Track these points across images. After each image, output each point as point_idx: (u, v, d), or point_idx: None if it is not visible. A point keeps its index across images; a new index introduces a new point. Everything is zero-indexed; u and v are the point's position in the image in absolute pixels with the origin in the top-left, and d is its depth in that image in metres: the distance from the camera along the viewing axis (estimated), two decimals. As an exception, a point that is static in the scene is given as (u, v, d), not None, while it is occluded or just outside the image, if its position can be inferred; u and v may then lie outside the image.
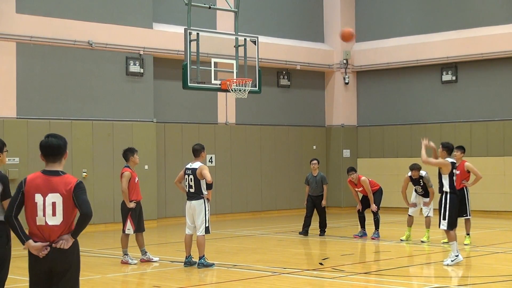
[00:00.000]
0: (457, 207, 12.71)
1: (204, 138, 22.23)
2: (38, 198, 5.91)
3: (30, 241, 5.93)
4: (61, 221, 5.94)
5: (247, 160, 23.65)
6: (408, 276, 11.99)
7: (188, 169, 12.60)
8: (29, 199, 5.94)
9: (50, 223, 5.92)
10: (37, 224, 5.94)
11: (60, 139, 6.22)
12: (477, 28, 23.22)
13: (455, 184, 12.74)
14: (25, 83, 18.82)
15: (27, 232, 6.05)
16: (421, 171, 16.06)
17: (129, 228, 13.09)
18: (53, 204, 5.90)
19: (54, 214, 5.90)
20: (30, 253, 6.02)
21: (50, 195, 5.92)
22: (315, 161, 17.58)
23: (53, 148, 6.14)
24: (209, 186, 12.44)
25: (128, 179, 13.09)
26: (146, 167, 20.20)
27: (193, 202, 12.45)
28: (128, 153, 13.37)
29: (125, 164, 13.42)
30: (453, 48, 23.49)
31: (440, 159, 12.71)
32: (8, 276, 7.48)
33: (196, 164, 12.55)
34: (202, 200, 12.44)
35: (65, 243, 5.91)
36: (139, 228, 13.22)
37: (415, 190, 16.26)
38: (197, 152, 12.79)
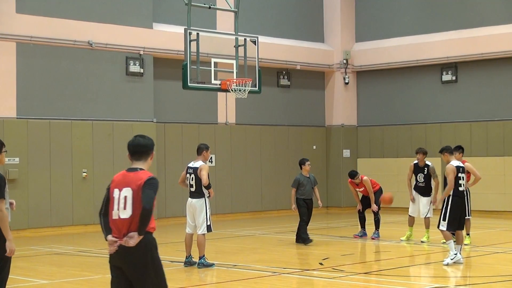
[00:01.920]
0: (459, 210, 12.70)
1: (204, 138, 22.21)
2: (116, 193, 6.12)
3: (109, 235, 6.09)
4: (130, 214, 6.06)
5: (247, 160, 23.65)
6: (408, 276, 12.00)
7: (190, 168, 12.64)
8: (110, 194, 6.17)
9: (122, 216, 6.08)
10: (113, 218, 6.12)
11: (147, 139, 6.36)
12: (477, 28, 23.22)
13: (462, 187, 12.73)
14: (25, 83, 18.82)
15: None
16: (427, 162, 15.99)
17: None
18: (125, 198, 6.08)
19: (125, 207, 6.07)
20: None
21: (124, 189, 6.10)
22: (309, 162, 16.46)
23: (139, 147, 6.28)
24: (208, 186, 12.45)
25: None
26: (146, 167, 20.19)
27: (194, 200, 12.48)
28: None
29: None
30: (453, 48, 23.49)
31: (447, 177, 12.75)
32: (9, 276, 7.49)
33: (198, 163, 12.58)
34: (203, 199, 12.46)
35: (129, 240, 5.98)
36: None
37: (416, 184, 16.10)
38: (200, 150, 12.82)
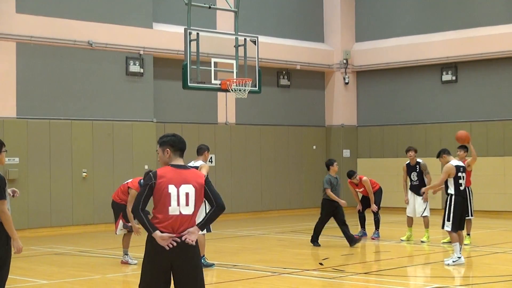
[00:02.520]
0: (461, 209, 12.72)
1: (204, 138, 22.22)
2: (172, 189, 6.17)
3: (158, 231, 6.08)
4: (192, 211, 6.20)
5: (247, 160, 23.64)
6: (408, 276, 12.00)
7: (191, 167, 12.64)
8: (161, 190, 6.16)
9: (184, 212, 6.15)
10: (169, 214, 6.14)
11: (181, 137, 6.54)
12: (477, 28, 23.22)
13: (463, 186, 12.74)
14: (25, 83, 18.82)
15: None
16: (418, 159, 16.14)
17: (121, 228, 13.03)
18: (187, 194, 6.19)
19: (187, 204, 6.18)
20: (150, 245, 6.16)
21: (183, 186, 6.20)
22: (337, 162, 16.16)
23: (183, 144, 6.48)
24: None
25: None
26: (146, 167, 20.18)
27: None
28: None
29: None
30: (453, 48, 23.49)
31: (441, 174, 12.82)
32: (9, 276, 7.49)
33: (198, 163, 12.65)
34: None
35: (191, 236, 6.10)
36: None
37: (411, 180, 16.19)
38: (201, 150, 12.92)
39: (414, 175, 16.13)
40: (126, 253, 13.11)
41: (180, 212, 6.14)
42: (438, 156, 13.23)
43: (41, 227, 18.77)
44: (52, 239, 17.65)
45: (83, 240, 17.43)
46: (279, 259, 13.65)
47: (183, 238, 6.09)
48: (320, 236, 15.61)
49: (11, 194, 7.82)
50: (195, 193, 6.21)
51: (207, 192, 6.30)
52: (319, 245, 15.41)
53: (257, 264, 12.90)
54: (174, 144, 6.40)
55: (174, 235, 6.09)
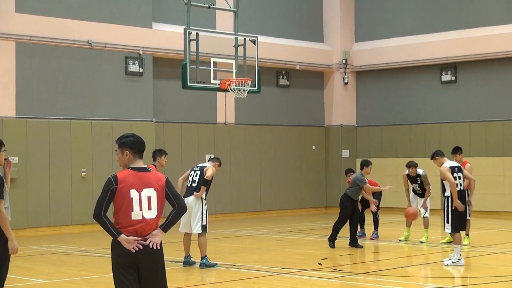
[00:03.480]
0: (460, 210, 12.68)
1: (203, 138, 22.24)
2: (134, 193, 6.08)
3: (123, 235, 6.04)
4: (156, 214, 6.15)
5: (246, 160, 23.64)
6: (407, 276, 11.99)
7: (197, 166, 12.82)
8: (123, 195, 6.06)
9: (147, 216, 6.10)
10: (132, 219, 6.08)
11: (139, 138, 6.44)
12: (477, 28, 23.22)
13: (458, 187, 12.67)
14: (25, 82, 18.81)
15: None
16: (418, 170, 16.11)
17: None
18: (149, 198, 6.11)
19: (149, 208, 6.11)
20: (115, 247, 6.10)
21: (145, 190, 6.11)
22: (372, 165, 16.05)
23: (142, 144, 6.35)
24: (204, 182, 12.47)
25: None
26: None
27: (190, 198, 12.43)
28: (156, 154, 13.25)
29: (152, 163, 13.27)
30: (453, 48, 23.49)
31: (446, 177, 12.61)
32: (8, 275, 7.48)
33: (207, 164, 12.76)
34: (200, 199, 12.46)
35: (155, 239, 6.10)
36: None
37: (413, 190, 16.29)
38: (211, 160, 13.13)
39: (416, 186, 16.24)
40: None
41: (143, 217, 6.08)
42: (432, 158, 13.21)
43: (40, 226, 18.77)
44: (51, 238, 17.65)
45: (82, 239, 17.42)
46: (278, 259, 13.65)
47: (147, 242, 6.06)
48: (319, 236, 15.59)
49: (6, 166, 7.75)
50: (157, 197, 6.14)
51: (168, 194, 6.21)
52: (334, 247, 15.11)
53: (256, 264, 12.90)
54: (133, 145, 6.28)
55: (140, 238, 6.06)
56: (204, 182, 12.48)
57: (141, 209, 6.07)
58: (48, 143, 18.98)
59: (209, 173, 12.51)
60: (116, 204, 6.10)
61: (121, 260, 6.06)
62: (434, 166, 13.82)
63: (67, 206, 19.20)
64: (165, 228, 6.18)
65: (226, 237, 17.88)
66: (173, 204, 6.23)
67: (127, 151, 6.28)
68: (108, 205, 6.10)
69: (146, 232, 6.09)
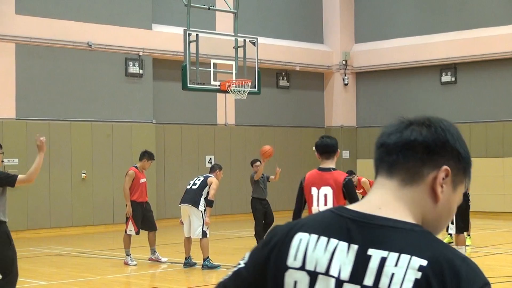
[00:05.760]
0: (462, 210, 12.68)
1: (203, 139, 22.24)
2: (314, 191, 6.82)
3: None
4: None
5: (247, 161, 23.57)
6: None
7: (201, 175, 12.91)
8: (307, 192, 6.96)
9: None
10: (313, 213, 6.40)
11: (333, 140, 7.02)
12: (477, 29, 23.23)
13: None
14: (25, 84, 18.82)
15: None
16: None
17: (131, 229, 13.09)
18: (325, 195, 6.76)
19: (325, 204, 6.75)
20: None
21: (322, 187, 6.78)
22: None
23: (328, 147, 6.89)
24: (209, 203, 12.47)
25: (131, 178, 13.08)
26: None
27: (187, 207, 12.46)
28: (144, 155, 13.32)
29: (134, 164, 13.49)
30: (453, 49, 23.50)
31: None
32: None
33: (212, 175, 12.72)
34: (200, 209, 12.43)
35: None
36: (147, 228, 13.23)
37: None
38: (213, 169, 13.09)
39: None
40: (128, 254, 13.07)
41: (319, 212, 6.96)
42: None
43: (40, 228, 18.76)
44: (52, 240, 17.65)
45: (83, 241, 17.42)
46: (279, 260, 13.61)
47: None
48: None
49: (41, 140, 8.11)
50: (332, 194, 6.84)
51: (344, 193, 6.82)
52: None
53: (257, 265, 12.87)
54: (317, 148, 7.12)
55: None
56: (209, 203, 12.49)
57: (318, 205, 6.90)
58: (48, 145, 18.88)
59: (213, 192, 12.46)
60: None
61: None
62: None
63: (67, 208, 19.20)
64: None
65: (227, 238, 17.87)
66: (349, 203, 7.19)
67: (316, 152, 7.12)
68: (301, 201, 7.29)
69: None
